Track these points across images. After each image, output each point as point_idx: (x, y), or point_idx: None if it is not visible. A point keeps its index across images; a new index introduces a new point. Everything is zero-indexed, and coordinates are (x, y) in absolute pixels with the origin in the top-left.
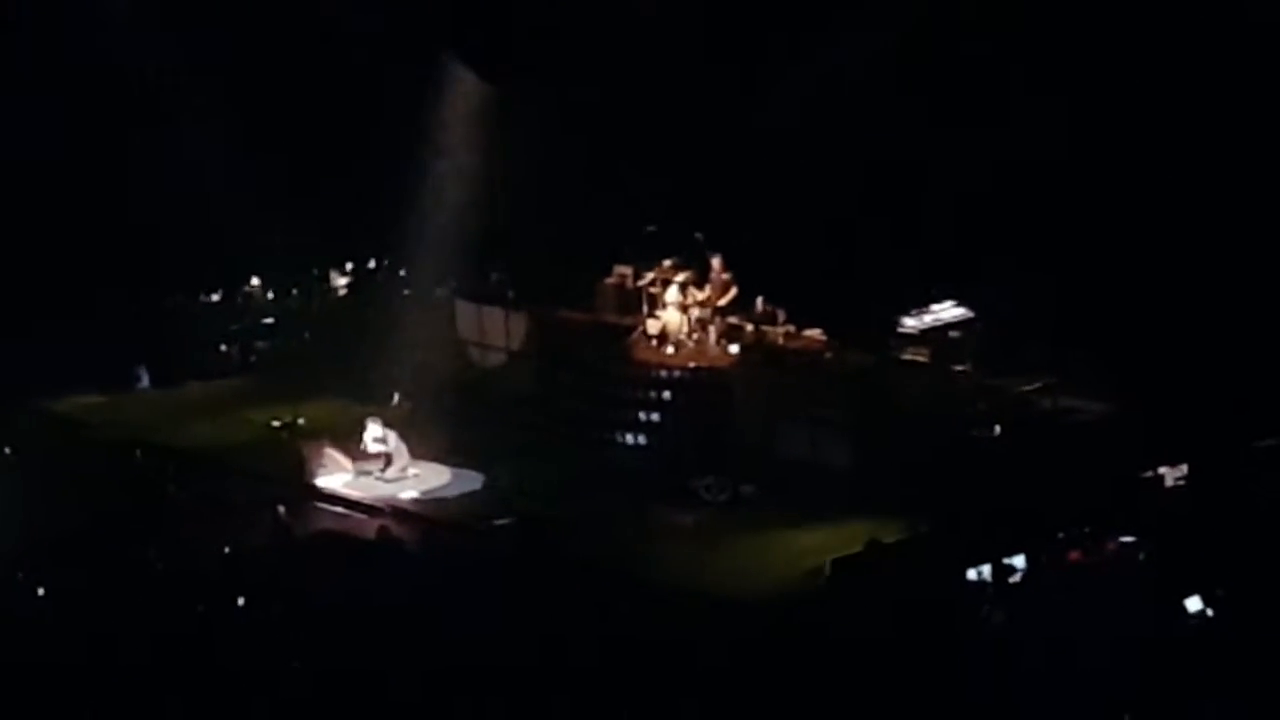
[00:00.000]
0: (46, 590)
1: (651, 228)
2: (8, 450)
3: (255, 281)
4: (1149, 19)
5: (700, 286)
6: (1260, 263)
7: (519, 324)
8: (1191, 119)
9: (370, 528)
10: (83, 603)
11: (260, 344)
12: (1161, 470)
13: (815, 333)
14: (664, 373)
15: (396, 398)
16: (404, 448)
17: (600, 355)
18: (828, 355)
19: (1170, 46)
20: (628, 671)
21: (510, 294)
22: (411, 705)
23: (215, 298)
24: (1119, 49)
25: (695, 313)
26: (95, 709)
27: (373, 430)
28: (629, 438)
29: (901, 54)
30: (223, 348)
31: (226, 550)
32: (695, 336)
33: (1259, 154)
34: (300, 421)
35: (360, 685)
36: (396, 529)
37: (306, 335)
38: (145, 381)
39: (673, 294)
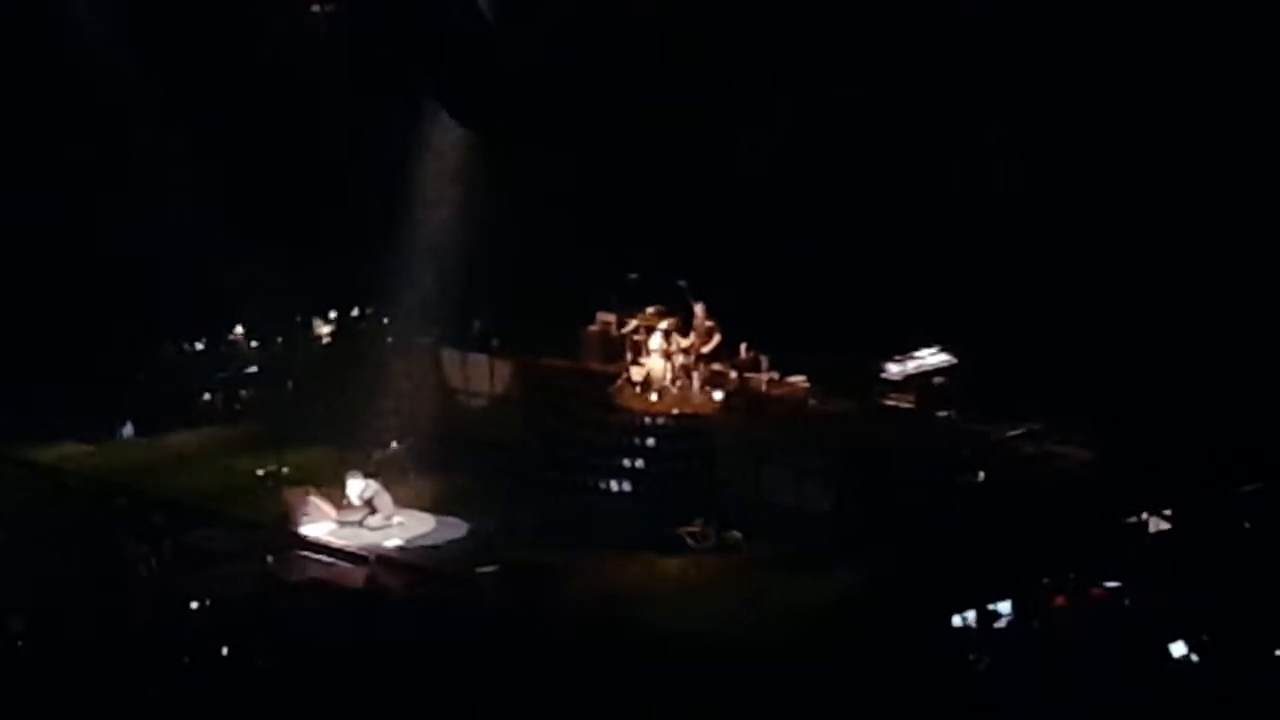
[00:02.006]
0: (31, 638)
1: (635, 275)
2: None
3: (239, 330)
4: (1128, 54)
5: (684, 334)
6: (1243, 311)
7: (503, 371)
8: (1174, 167)
9: (356, 576)
10: (67, 651)
11: (244, 392)
12: (1146, 516)
13: (799, 379)
14: (648, 419)
15: (394, 445)
16: (387, 497)
17: (584, 402)
18: (811, 402)
19: (1149, 84)
20: (617, 715)
21: (494, 342)
22: None
23: (199, 346)
24: (1098, 87)
25: (679, 360)
26: None
27: (354, 486)
28: (614, 484)
29: (880, 100)
30: (207, 396)
31: (210, 600)
32: (679, 383)
33: (1241, 205)
34: (284, 470)
35: None
36: (384, 577)
37: (290, 384)
38: (129, 430)
39: (656, 341)
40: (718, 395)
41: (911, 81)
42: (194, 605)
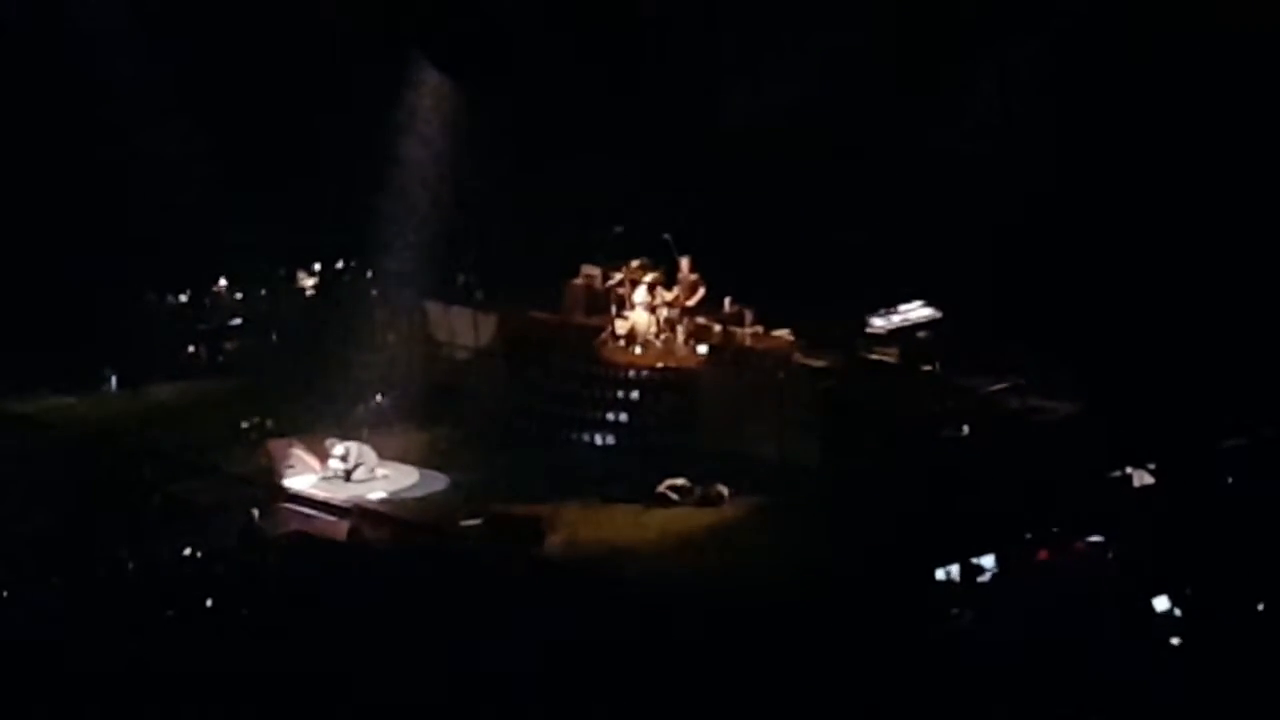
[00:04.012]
0: (14, 594)
1: (619, 228)
2: None
3: (223, 282)
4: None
5: (668, 287)
6: (1225, 267)
7: (487, 325)
8: (1162, 130)
9: (339, 528)
10: (52, 606)
11: (228, 344)
12: (1129, 470)
13: (783, 333)
14: (632, 373)
15: (378, 397)
16: (370, 450)
17: (568, 356)
18: (796, 355)
19: (1146, 64)
20: (601, 668)
21: (478, 295)
22: (383, 705)
23: (183, 299)
24: (1094, 61)
25: (663, 313)
26: (65, 712)
27: (336, 453)
28: (597, 437)
29: (869, 52)
30: (191, 348)
31: (197, 553)
32: (663, 337)
33: (1225, 166)
34: (268, 422)
35: (332, 686)
36: (368, 530)
37: (274, 336)
38: (113, 382)
39: (641, 294)
40: (702, 349)
41: (898, 33)
42: (179, 556)
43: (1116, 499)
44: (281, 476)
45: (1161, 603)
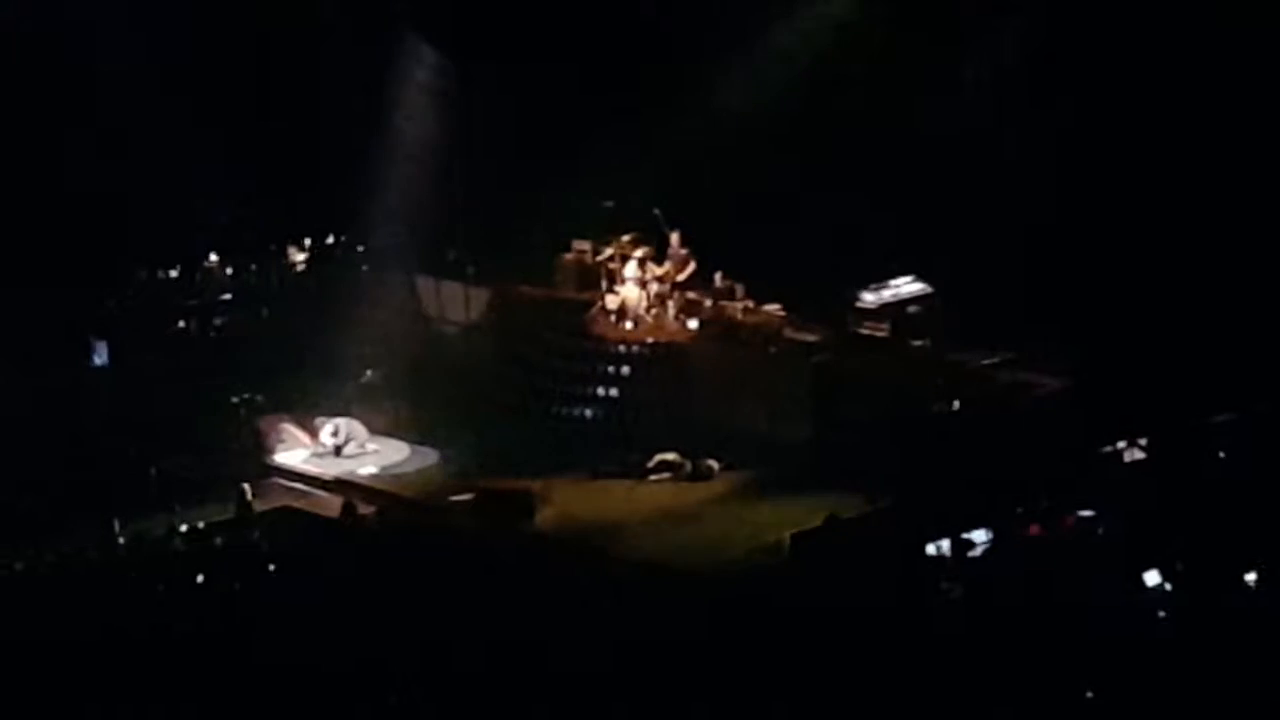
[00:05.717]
0: (4, 572)
1: (610, 203)
2: None
3: (213, 257)
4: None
5: (659, 262)
6: (1217, 237)
7: (478, 299)
8: (1149, 101)
9: (329, 504)
10: (41, 582)
11: (218, 320)
12: (1120, 444)
13: (774, 307)
14: (623, 348)
15: (369, 372)
16: (360, 425)
17: (559, 330)
18: (786, 330)
19: (1135, 34)
20: (590, 647)
21: (469, 269)
22: (378, 684)
23: (173, 273)
24: (1088, 37)
25: (654, 288)
26: (55, 690)
27: (326, 430)
28: (588, 412)
29: (855, 26)
30: (181, 324)
31: (185, 527)
32: (654, 311)
33: (1216, 138)
34: (259, 398)
35: (324, 665)
36: (362, 506)
37: (265, 311)
38: (102, 357)
39: (631, 269)
40: (692, 323)
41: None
42: (171, 531)
43: (1107, 474)
44: (272, 452)
45: (1152, 577)
